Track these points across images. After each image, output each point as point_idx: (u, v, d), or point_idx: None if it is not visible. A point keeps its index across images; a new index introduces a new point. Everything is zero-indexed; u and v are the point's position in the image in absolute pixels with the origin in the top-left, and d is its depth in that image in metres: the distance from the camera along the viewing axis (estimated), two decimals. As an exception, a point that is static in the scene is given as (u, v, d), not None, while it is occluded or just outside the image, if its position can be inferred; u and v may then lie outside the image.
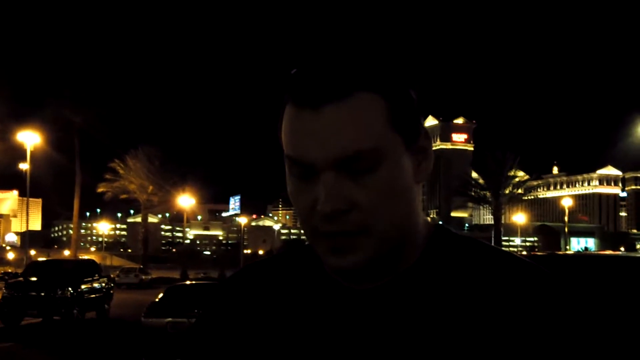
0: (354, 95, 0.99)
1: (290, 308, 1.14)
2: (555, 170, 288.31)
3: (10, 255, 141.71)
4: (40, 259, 32.72)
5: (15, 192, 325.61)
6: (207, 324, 1.18)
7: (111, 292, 25.65)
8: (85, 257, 64.30)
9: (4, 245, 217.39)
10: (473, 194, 77.22)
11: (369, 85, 1.00)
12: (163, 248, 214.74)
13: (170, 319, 16.40)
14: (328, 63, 1.02)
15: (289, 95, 1.04)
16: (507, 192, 73.55)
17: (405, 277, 1.09)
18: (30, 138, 44.82)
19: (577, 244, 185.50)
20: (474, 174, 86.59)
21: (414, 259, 1.10)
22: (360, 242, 1.03)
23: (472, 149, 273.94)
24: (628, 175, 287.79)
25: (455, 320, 1.04)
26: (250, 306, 1.18)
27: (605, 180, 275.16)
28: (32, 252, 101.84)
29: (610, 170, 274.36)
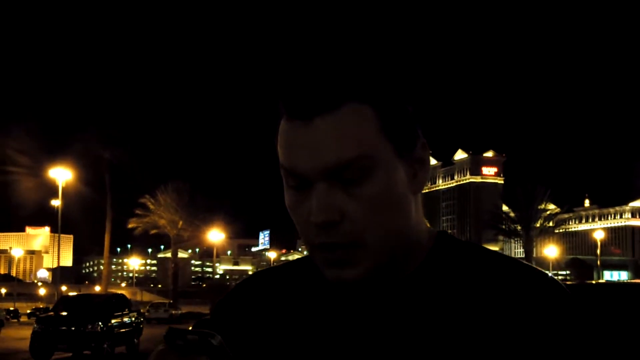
0: (344, 106, 1.00)
1: (296, 313, 1.15)
2: (587, 203, 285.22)
3: (42, 291, 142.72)
4: (71, 293, 32.86)
5: (47, 229, 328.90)
6: (215, 328, 1.16)
7: (141, 326, 25.70)
8: (116, 292, 64.49)
9: (35, 281, 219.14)
10: (504, 227, 76.71)
11: (359, 96, 1.01)
12: (193, 283, 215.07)
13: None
14: (318, 75, 1.03)
15: (281, 106, 1.05)
16: (538, 225, 73.03)
17: (407, 283, 1.09)
18: (61, 174, 45.31)
19: (610, 277, 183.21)
20: (505, 207, 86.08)
21: (415, 265, 1.11)
22: (356, 255, 1.03)
23: (502, 182, 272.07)
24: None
25: (458, 325, 1.04)
26: (257, 310, 1.19)
27: (638, 212, 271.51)
28: (64, 288, 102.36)
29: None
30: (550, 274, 1.09)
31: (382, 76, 1.05)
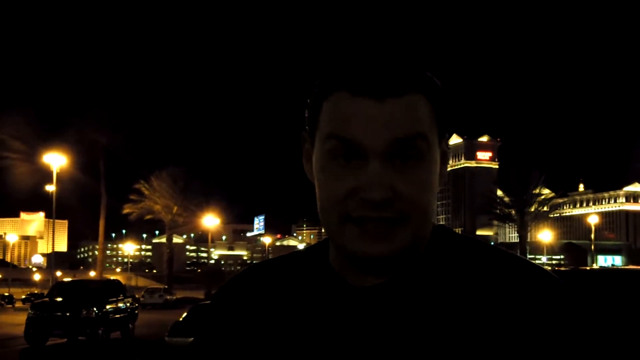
0: (408, 94, 1.07)
1: (293, 306, 1.16)
2: (581, 187, 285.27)
3: (37, 277, 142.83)
4: (65, 279, 32.88)
5: (41, 214, 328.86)
6: (211, 326, 1.21)
7: (136, 312, 25.74)
8: (111, 277, 64.49)
9: (30, 266, 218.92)
10: (498, 212, 76.87)
11: (420, 87, 1.09)
12: (188, 268, 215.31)
13: (193, 338, 16.35)
14: (388, 60, 1.10)
15: (341, 81, 1.09)
16: (532, 210, 73.17)
17: (407, 276, 1.11)
18: (56, 160, 45.18)
19: (604, 262, 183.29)
20: (499, 192, 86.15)
21: (416, 258, 1.13)
22: (398, 231, 1.06)
23: (496, 166, 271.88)
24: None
25: (456, 319, 1.05)
26: (254, 305, 1.20)
27: (632, 197, 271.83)
28: (58, 273, 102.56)
29: (637, 187, 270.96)
30: (548, 269, 1.10)
31: (436, 74, 1.13)
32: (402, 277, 1.11)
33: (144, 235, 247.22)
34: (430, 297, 1.08)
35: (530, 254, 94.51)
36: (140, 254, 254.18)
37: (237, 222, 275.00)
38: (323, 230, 1.15)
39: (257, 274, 1.25)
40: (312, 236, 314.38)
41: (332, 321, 1.11)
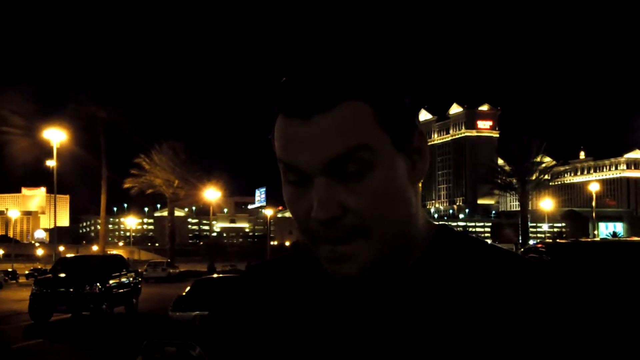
0: (341, 104, 1.02)
1: (295, 308, 1.16)
2: (582, 155, 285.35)
3: (40, 252, 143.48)
4: (68, 255, 32.98)
5: (43, 189, 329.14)
6: (213, 326, 1.22)
7: (139, 286, 25.90)
8: (113, 252, 64.65)
9: (33, 241, 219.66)
10: (499, 181, 76.82)
11: (355, 93, 1.03)
12: (190, 241, 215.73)
13: (197, 312, 16.39)
14: (315, 74, 1.04)
15: (279, 105, 1.06)
16: (533, 178, 73.13)
17: (406, 277, 1.10)
18: (56, 135, 45.17)
19: (605, 229, 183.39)
20: (500, 161, 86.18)
21: (415, 259, 1.11)
22: (358, 248, 1.04)
23: (497, 135, 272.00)
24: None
25: (457, 319, 1.04)
26: (255, 307, 1.20)
27: (633, 164, 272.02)
28: (61, 248, 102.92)
29: (637, 154, 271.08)
30: (550, 268, 1.09)
31: (378, 72, 1.07)
32: (401, 278, 1.10)
33: (146, 209, 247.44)
34: (429, 297, 1.07)
35: (531, 222, 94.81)
36: (143, 227, 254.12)
37: (239, 194, 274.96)
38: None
39: (258, 276, 1.25)
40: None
41: (335, 322, 1.11)
